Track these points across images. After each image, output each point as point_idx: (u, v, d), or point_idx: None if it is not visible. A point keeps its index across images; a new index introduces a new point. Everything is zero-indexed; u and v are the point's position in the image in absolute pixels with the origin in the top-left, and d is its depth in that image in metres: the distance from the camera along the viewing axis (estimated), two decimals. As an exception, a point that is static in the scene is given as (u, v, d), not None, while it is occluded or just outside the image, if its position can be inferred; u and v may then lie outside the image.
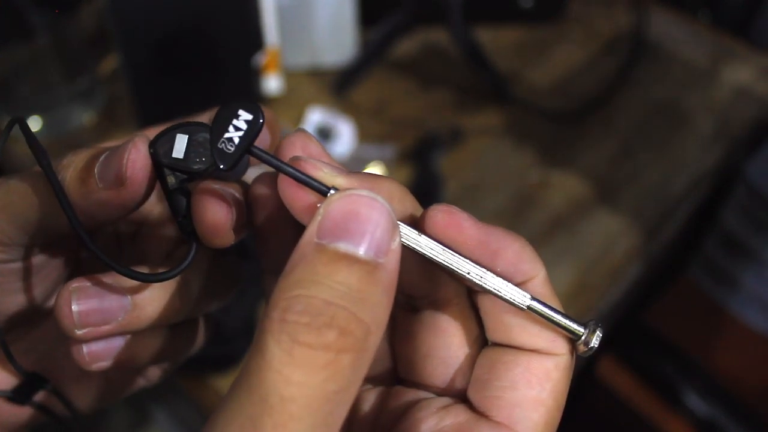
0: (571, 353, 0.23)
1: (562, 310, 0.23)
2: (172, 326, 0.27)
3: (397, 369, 0.26)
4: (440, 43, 0.92)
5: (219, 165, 0.22)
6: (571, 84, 0.90)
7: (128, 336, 0.25)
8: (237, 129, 0.22)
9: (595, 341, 0.23)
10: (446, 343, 0.24)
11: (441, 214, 0.22)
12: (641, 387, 0.88)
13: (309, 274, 0.18)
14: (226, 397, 0.18)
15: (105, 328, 0.24)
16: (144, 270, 0.25)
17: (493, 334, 0.24)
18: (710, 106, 0.87)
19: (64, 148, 0.85)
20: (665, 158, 0.82)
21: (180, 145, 0.22)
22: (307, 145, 0.23)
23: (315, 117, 0.82)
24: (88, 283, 0.24)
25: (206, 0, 0.73)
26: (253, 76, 0.79)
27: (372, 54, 0.87)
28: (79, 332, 0.24)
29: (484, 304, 0.23)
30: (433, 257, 0.22)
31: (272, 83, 0.84)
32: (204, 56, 0.76)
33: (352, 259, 0.19)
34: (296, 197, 0.21)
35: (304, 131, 0.24)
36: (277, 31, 0.81)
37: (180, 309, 0.25)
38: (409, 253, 0.22)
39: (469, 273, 0.22)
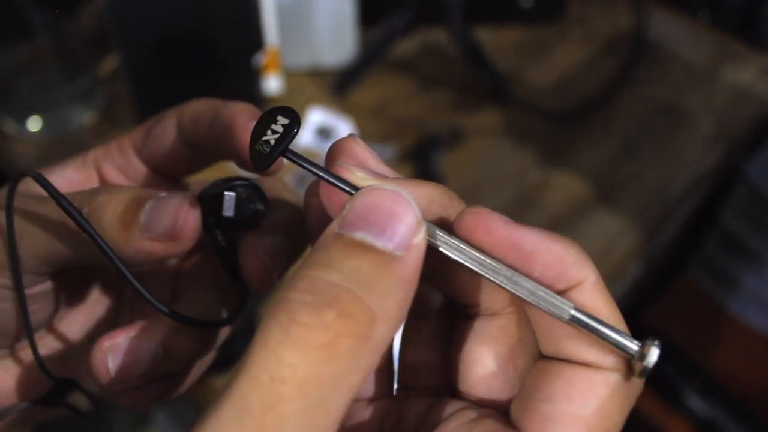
0: (626, 370, 0.21)
1: (613, 323, 0.21)
2: None
3: (452, 380, 0.25)
4: (440, 43, 0.92)
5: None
6: (571, 84, 0.90)
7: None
8: (274, 132, 0.22)
9: (651, 358, 0.20)
10: (494, 353, 0.23)
11: (469, 216, 0.21)
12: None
13: (322, 258, 0.18)
14: (220, 395, 0.18)
15: (138, 375, 0.25)
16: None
17: (543, 346, 0.22)
18: (710, 106, 0.87)
19: (65, 148, 0.85)
20: (665, 158, 0.82)
21: (229, 203, 0.24)
22: (353, 149, 0.23)
23: (315, 117, 0.82)
24: (121, 339, 0.24)
25: (206, 0, 0.73)
26: (253, 76, 0.79)
27: (372, 54, 0.87)
28: (116, 387, 0.24)
29: (533, 313, 0.22)
30: (460, 260, 0.21)
31: (272, 83, 0.84)
32: (204, 56, 0.76)
33: (367, 248, 0.18)
34: (332, 200, 0.21)
35: (353, 137, 0.23)
36: (277, 31, 0.81)
37: (208, 346, 0.27)
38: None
39: (497, 277, 0.20)
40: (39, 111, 0.80)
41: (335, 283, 0.18)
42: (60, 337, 0.29)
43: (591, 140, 0.83)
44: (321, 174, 0.21)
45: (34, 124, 0.80)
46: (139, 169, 0.29)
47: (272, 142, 0.22)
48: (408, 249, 0.19)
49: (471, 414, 0.22)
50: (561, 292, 0.20)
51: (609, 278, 0.70)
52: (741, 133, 0.85)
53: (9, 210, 0.24)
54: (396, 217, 0.19)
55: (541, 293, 0.20)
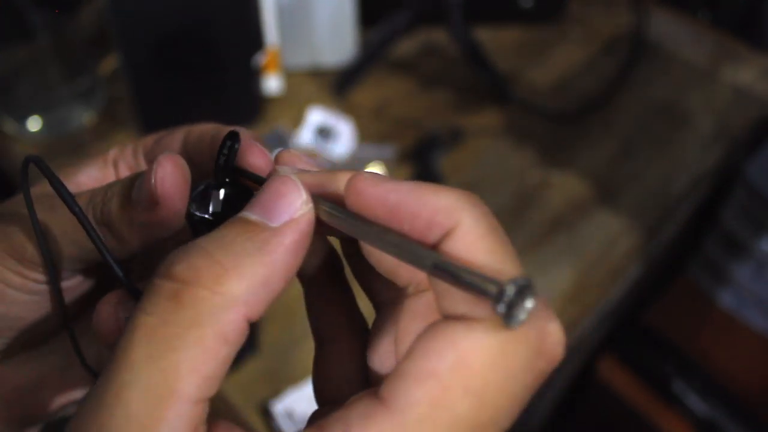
0: (498, 320, 0.18)
1: (495, 267, 0.18)
2: None
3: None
4: (440, 43, 0.92)
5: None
6: (571, 84, 0.90)
7: None
8: (224, 155, 0.24)
9: (507, 294, 0.17)
10: (417, 330, 0.21)
11: (349, 181, 0.21)
12: (641, 387, 0.88)
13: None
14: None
15: None
16: None
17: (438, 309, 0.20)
18: (710, 106, 0.87)
19: (65, 148, 0.85)
20: (665, 158, 0.82)
21: (216, 200, 0.24)
22: (285, 155, 0.25)
23: (315, 117, 0.82)
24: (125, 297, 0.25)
25: (206, 0, 0.73)
26: (253, 76, 0.79)
27: (372, 54, 0.87)
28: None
29: (431, 279, 0.20)
30: (337, 226, 0.21)
31: (272, 83, 0.84)
32: (204, 56, 0.76)
33: (244, 220, 0.20)
34: None
35: (288, 150, 0.25)
36: (277, 31, 0.81)
37: None
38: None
39: (367, 238, 0.20)
40: (39, 111, 0.80)
41: (198, 245, 0.19)
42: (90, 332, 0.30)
43: (591, 140, 0.83)
44: (250, 176, 0.24)
45: (34, 124, 0.80)
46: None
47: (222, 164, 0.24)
48: (279, 219, 0.20)
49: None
50: (435, 244, 0.19)
51: (609, 278, 0.70)
52: (741, 133, 0.85)
53: (27, 198, 0.24)
54: (279, 195, 0.21)
55: (405, 246, 0.19)
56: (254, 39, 0.77)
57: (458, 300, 0.18)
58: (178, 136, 0.28)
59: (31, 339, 0.28)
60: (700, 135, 0.84)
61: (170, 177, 0.23)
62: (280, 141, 0.80)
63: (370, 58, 0.87)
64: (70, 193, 0.23)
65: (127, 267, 0.29)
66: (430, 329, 0.19)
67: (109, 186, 0.25)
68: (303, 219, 0.21)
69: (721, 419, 0.84)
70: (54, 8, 0.76)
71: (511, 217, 0.74)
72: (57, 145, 0.79)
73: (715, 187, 0.84)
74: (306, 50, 0.87)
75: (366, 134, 0.82)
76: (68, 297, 0.28)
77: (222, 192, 0.24)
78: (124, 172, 0.30)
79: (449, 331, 0.18)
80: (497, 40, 0.93)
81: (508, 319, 0.17)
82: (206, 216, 0.24)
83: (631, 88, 0.88)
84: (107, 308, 0.24)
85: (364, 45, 0.88)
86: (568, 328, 0.66)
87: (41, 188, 0.26)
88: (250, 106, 0.81)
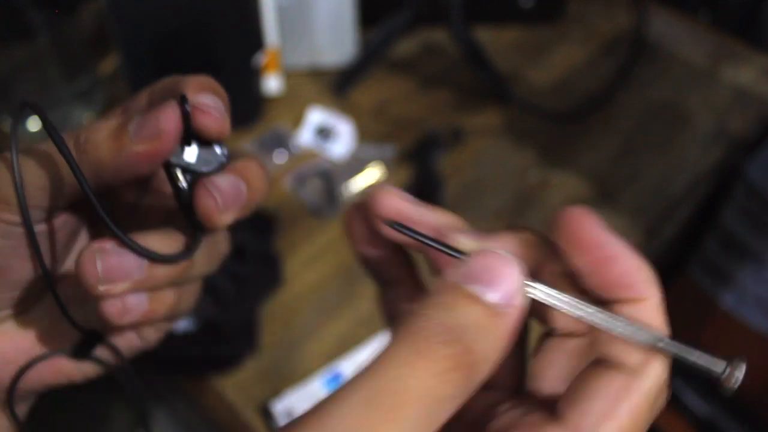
0: (658, 376, 0.24)
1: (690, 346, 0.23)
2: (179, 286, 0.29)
3: (522, 382, 0.28)
4: (440, 43, 0.92)
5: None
6: (571, 84, 0.90)
7: (145, 293, 0.28)
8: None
9: (738, 376, 0.24)
10: (564, 365, 0.26)
11: (569, 215, 0.24)
12: (641, 387, 0.88)
13: (442, 300, 0.22)
14: (343, 386, 0.20)
15: (123, 285, 0.26)
16: (157, 242, 0.27)
17: (596, 348, 0.25)
18: (710, 106, 0.87)
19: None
20: (665, 158, 0.82)
21: (192, 149, 0.27)
22: (400, 204, 0.27)
23: (315, 117, 0.82)
24: (109, 245, 0.26)
25: (206, 0, 0.73)
26: (253, 76, 0.79)
27: (372, 54, 0.87)
28: (101, 288, 0.26)
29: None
30: (561, 307, 0.23)
31: (272, 83, 0.84)
32: (204, 56, 0.76)
33: (478, 300, 0.22)
34: (437, 257, 0.27)
35: (388, 190, 0.28)
36: (277, 31, 0.81)
37: (184, 273, 0.28)
38: None
39: (593, 318, 0.23)
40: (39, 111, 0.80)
41: (457, 325, 0.21)
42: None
43: (591, 140, 0.83)
44: (429, 243, 0.25)
45: (34, 124, 0.80)
46: None
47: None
48: (511, 306, 0.22)
49: (523, 408, 0.25)
50: (625, 301, 0.23)
51: (609, 278, 0.70)
52: (741, 133, 0.85)
53: (13, 139, 0.26)
54: (506, 278, 0.22)
55: (631, 328, 0.23)
56: (254, 39, 0.77)
57: (623, 349, 0.23)
58: (142, 97, 0.29)
59: (19, 301, 0.28)
60: (700, 135, 0.84)
61: (173, 118, 0.25)
62: (280, 141, 0.80)
63: (370, 58, 0.87)
64: (54, 127, 0.25)
65: (111, 210, 0.30)
66: (602, 371, 0.23)
67: (93, 122, 0.27)
68: (523, 304, 0.22)
69: (721, 419, 0.84)
70: (54, 8, 0.76)
71: (511, 217, 0.74)
72: (57, 145, 0.79)
73: (715, 187, 0.84)
74: (306, 50, 0.87)
75: (366, 134, 0.82)
76: (54, 244, 0.28)
77: (195, 149, 0.27)
78: None
79: (621, 379, 0.23)
80: (497, 40, 0.93)
81: (729, 389, 0.24)
82: (182, 164, 0.26)
83: (631, 88, 0.88)
84: (89, 256, 0.25)
85: (364, 45, 0.88)
86: (568, 328, 0.66)
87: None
88: (250, 106, 0.81)
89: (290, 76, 0.87)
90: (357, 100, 0.86)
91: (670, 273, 0.92)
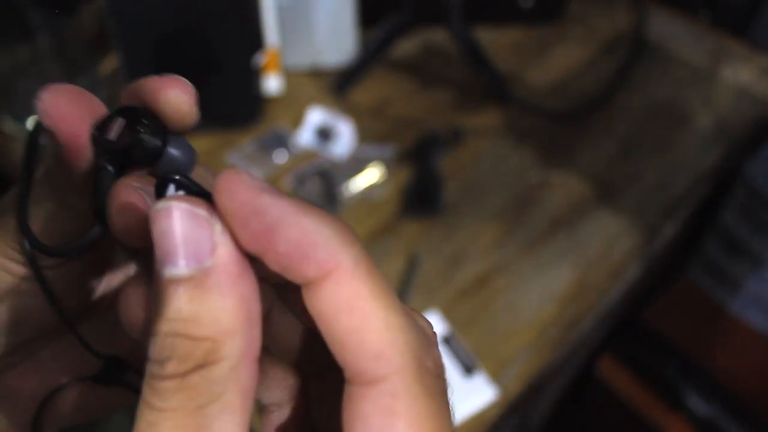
0: (405, 369, 0.17)
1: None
2: None
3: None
4: (440, 43, 0.92)
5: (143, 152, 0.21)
6: (571, 84, 0.90)
7: None
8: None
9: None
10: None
11: (221, 177, 0.18)
12: (641, 387, 0.88)
13: (156, 311, 0.18)
14: None
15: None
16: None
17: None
18: (710, 106, 0.87)
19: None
20: (665, 158, 0.82)
21: (115, 127, 0.22)
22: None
23: (315, 117, 0.82)
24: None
25: (206, 0, 0.73)
26: (253, 76, 0.79)
27: (372, 54, 0.87)
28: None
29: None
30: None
31: (272, 83, 0.84)
32: (204, 56, 0.76)
33: (177, 281, 0.18)
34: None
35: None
36: (277, 31, 0.81)
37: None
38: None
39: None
40: (39, 111, 0.80)
41: (167, 333, 0.17)
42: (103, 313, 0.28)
43: (591, 140, 0.83)
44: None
45: (34, 124, 0.80)
46: None
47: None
48: (210, 254, 0.18)
49: None
50: (310, 281, 0.18)
51: (609, 278, 0.70)
52: (741, 133, 0.85)
53: (28, 164, 0.23)
54: (180, 232, 0.18)
55: None
56: (254, 39, 0.77)
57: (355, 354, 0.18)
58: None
59: (45, 335, 0.27)
60: (700, 135, 0.84)
61: (61, 105, 0.22)
62: (280, 141, 0.80)
63: (370, 58, 0.87)
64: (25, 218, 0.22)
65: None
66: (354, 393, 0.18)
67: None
68: (226, 236, 0.18)
69: (721, 419, 0.84)
70: (54, 8, 0.77)
71: (511, 217, 0.74)
72: (57, 145, 0.79)
73: (715, 187, 0.84)
74: (306, 50, 0.87)
75: (366, 134, 0.82)
76: (75, 280, 0.26)
77: (121, 120, 0.22)
78: None
79: (376, 395, 0.17)
80: (497, 40, 0.93)
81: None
82: (108, 138, 0.22)
83: (631, 88, 0.88)
84: (134, 295, 0.22)
85: (364, 45, 0.88)
86: (568, 328, 0.66)
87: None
88: (250, 106, 0.81)
89: (290, 76, 0.87)
90: (357, 100, 0.86)
91: (670, 273, 0.92)
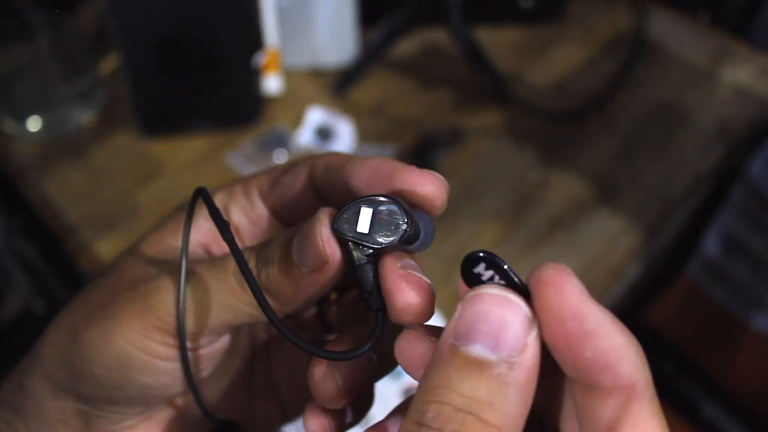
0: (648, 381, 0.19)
1: None
2: None
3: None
4: (440, 43, 0.92)
5: (407, 237, 0.22)
6: (571, 84, 0.90)
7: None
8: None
9: None
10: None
11: (549, 271, 0.20)
12: (641, 387, 0.88)
13: (443, 380, 0.19)
14: None
15: (360, 384, 0.25)
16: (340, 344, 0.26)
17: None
18: (710, 106, 0.87)
19: (64, 149, 0.85)
20: (665, 158, 0.82)
21: (365, 218, 0.22)
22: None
23: (315, 117, 0.82)
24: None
25: (206, 0, 0.73)
26: (253, 76, 0.79)
27: (372, 54, 0.87)
28: (344, 401, 0.25)
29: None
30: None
31: (272, 83, 0.84)
32: (204, 56, 0.76)
33: (483, 364, 0.19)
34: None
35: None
36: (277, 31, 0.81)
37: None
38: None
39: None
40: (39, 111, 0.80)
41: (460, 408, 0.18)
42: (217, 381, 0.30)
43: (591, 140, 0.83)
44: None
45: (34, 124, 0.80)
46: (262, 213, 0.28)
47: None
48: (521, 352, 0.19)
49: None
50: (601, 388, 0.19)
51: (609, 278, 0.70)
52: (741, 133, 0.85)
53: (184, 255, 0.24)
54: (505, 323, 0.19)
55: None
56: (254, 39, 0.77)
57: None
58: (302, 171, 0.27)
59: (155, 403, 0.28)
60: (700, 135, 0.84)
61: (332, 242, 0.23)
62: (280, 141, 0.80)
63: (370, 58, 0.87)
64: (242, 257, 0.22)
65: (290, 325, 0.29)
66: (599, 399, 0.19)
67: (262, 247, 0.24)
68: (535, 341, 0.19)
69: (722, 419, 0.84)
70: (54, 8, 0.77)
71: (511, 217, 0.74)
72: (57, 145, 0.79)
73: (715, 187, 0.84)
74: (306, 50, 0.87)
75: (366, 134, 0.82)
76: (210, 357, 0.27)
77: (369, 211, 0.22)
78: (236, 215, 0.28)
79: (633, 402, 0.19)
80: (497, 40, 0.93)
81: None
82: (350, 236, 0.22)
83: (631, 88, 0.88)
84: (324, 371, 0.24)
85: (364, 45, 0.88)
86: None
87: (173, 228, 0.27)
88: (249, 106, 0.81)
89: (290, 76, 0.87)
90: (357, 100, 0.86)
91: (670, 273, 0.92)
